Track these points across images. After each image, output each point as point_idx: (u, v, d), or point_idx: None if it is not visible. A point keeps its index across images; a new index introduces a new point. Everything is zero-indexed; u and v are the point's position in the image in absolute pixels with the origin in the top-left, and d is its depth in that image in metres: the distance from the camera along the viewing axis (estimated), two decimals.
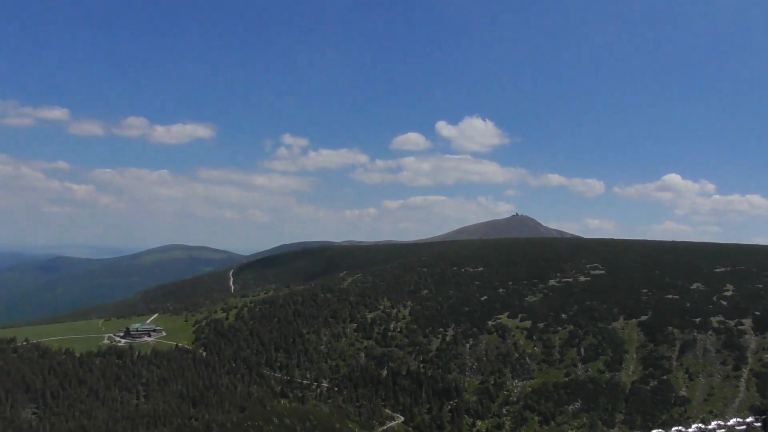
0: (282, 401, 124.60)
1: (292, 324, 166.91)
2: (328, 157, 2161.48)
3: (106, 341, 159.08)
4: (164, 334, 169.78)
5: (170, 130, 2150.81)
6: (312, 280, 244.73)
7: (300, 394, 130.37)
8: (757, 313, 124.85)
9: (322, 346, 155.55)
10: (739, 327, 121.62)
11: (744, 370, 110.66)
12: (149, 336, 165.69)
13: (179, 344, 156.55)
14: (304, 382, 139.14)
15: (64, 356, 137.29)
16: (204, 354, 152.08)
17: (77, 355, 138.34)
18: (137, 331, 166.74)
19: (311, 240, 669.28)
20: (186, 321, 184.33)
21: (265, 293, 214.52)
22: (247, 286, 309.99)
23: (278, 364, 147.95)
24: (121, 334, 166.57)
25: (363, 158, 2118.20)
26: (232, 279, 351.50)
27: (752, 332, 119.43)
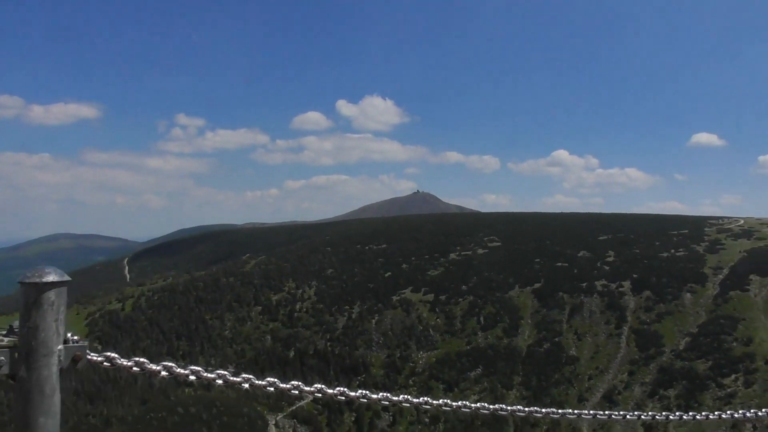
0: (186, 390, 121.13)
1: (193, 311, 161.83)
2: (227, 138, 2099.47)
3: None
4: None
5: (50, 110, 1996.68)
6: (214, 265, 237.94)
7: (205, 382, 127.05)
8: (635, 275, 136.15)
9: (227, 332, 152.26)
10: (620, 289, 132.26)
11: (624, 328, 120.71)
12: None
13: None
14: (209, 369, 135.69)
15: None
16: (99, 348, 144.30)
17: None
18: None
19: (212, 223, 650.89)
20: (78, 314, 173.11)
21: (164, 281, 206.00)
22: (144, 274, 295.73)
23: (180, 353, 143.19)
24: (4, 332, 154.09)
25: (263, 138, 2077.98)
26: (127, 267, 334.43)
27: (631, 293, 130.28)
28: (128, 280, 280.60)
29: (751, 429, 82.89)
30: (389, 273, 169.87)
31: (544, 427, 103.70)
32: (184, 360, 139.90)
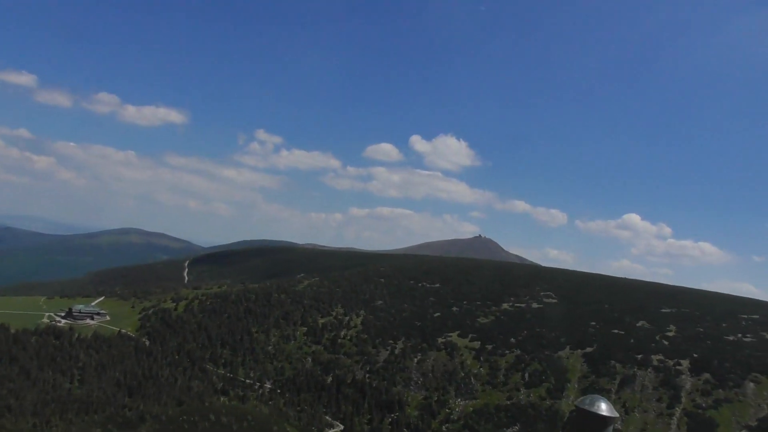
0: (222, 398, 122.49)
1: (242, 321, 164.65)
2: (300, 158, 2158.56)
3: (45, 320, 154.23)
4: (108, 318, 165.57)
5: (141, 111, 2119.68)
6: (268, 279, 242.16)
7: (241, 393, 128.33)
8: (695, 355, 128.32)
9: (270, 347, 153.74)
10: (677, 367, 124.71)
11: (677, 408, 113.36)
12: (92, 319, 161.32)
13: (122, 330, 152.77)
14: (247, 381, 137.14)
15: None
16: (147, 343, 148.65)
17: (12, 331, 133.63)
18: (80, 312, 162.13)
19: (274, 239, 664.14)
20: (133, 307, 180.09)
21: (219, 287, 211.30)
22: (201, 278, 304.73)
23: (223, 361, 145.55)
24: (63, 314, 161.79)
25: (335, 163, 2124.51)
26: (187, 269, 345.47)
27: (689, 373, 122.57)
28: (186, 281, 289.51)
29: None
30: (438, 313, 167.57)
31: None
32: (225, 368, 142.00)
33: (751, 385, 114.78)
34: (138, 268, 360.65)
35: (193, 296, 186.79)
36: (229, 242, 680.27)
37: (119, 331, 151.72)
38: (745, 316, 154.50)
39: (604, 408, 3.48)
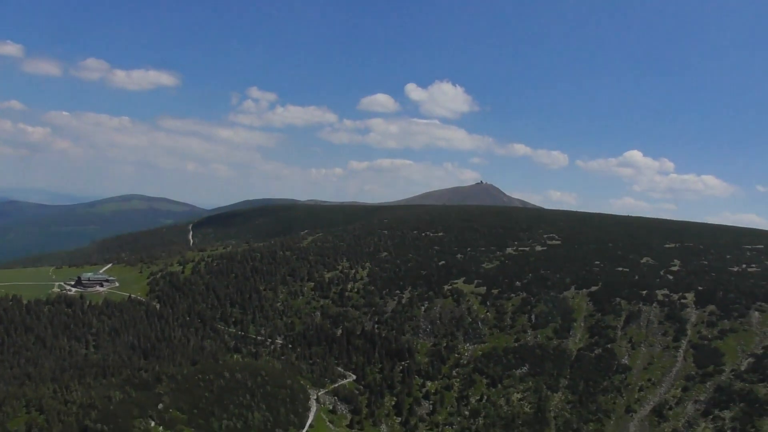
0: (235, 356, 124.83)
1: (249, 280, 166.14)
2: (296, 114, 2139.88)
3: (56, 289, 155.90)
4: (117, 284, 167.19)
5: (131, 76, 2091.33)
6: (273, 238, 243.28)
7: (253, 350, 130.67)
8: (700, 288, 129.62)
9: (279, 304, 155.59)
10: (682, 301, 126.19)
11: (683, 341, 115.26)
12: (101, 286, 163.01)
13: (132, 295, 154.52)
14: (258, 338, 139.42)
15: (11, 302, 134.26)
16: (157, 306, 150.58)
17: (25, 302, 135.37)
18: (89, 280, 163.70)
19: (275, 197, 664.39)
20: (141, 272, 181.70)
21: (224, 248, 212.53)
22: (206, 240, 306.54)
23: (233, 320, 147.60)
24: (72, 282, 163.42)
25: (331, 117, 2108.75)
26: (191, 233, 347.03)
27: (694, 306, 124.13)
28: (191, 244, 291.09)
29: None
30: (443, 261, 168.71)
31: None
32: (236, 327, 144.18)
33: (756, 314, 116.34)
34: (143, 234, 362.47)
35: (200, 258, 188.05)
36: (231, 203, 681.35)
37: (129, 296, 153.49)
38: (749, 247, 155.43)
39: None
